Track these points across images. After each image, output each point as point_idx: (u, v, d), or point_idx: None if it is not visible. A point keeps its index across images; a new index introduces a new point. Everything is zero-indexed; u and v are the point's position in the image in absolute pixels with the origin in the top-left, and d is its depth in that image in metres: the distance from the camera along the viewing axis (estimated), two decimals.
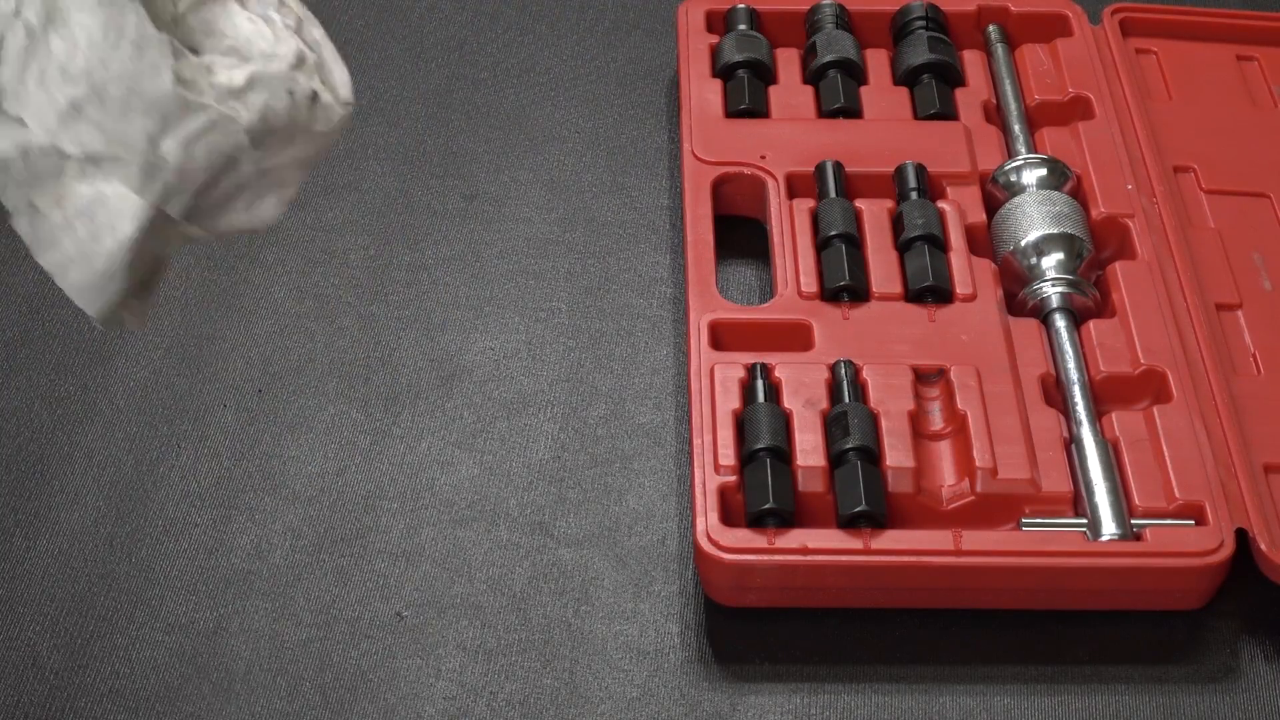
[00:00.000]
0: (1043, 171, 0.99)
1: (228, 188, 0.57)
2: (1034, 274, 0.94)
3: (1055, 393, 0.89)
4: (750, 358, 0.89)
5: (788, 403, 0.87)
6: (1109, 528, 0.82)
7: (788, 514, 0.82)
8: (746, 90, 1.04)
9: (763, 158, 1.00)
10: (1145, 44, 1.10)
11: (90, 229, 0.57)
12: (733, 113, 1.04)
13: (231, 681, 0.80)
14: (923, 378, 0.89)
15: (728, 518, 0.82)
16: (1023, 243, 0.95)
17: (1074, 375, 0.89)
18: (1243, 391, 0.89)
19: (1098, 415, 0.88)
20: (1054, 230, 0.94)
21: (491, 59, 1.13)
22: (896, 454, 0.84)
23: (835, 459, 0.84)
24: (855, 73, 1.06)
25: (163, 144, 0.55)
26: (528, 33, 1.15)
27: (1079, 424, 0.87)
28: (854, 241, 0.95)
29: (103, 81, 0.55)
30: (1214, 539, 0.82)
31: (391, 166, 1.05)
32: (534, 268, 1.00)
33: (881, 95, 1.05)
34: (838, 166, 0.99)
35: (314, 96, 0.58)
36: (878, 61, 1.07)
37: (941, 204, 0.97)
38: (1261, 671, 0.82)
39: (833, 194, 0.97)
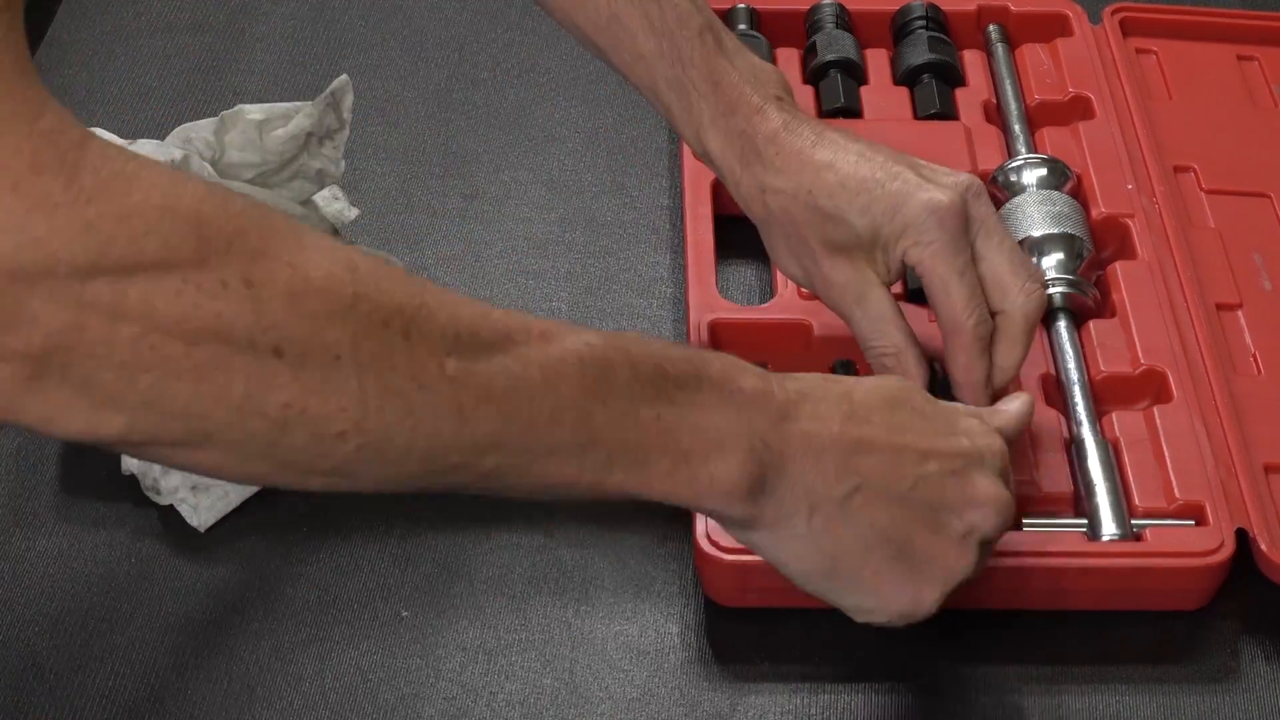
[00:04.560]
0: (1043, 171, 0.98)
1: None
2: None
3: (1055, 393, 0.89)
4: (750, 358, 0.88)
5: None
6: (1109, 528, 0.82)
7: None
8: None
9: None
10: (1145, 44, 1.10)
11: None
12: None
13: (231, 682, 0.80)
14: None
15: None
16: (1023, 242, 0.94)
17: (1074, 375, 0.89)
18: (1243, 391, 0.89)
19: (1098, 415, 0.88)
20: (1054, 230, 0.94)
21: (491, 59, 1.13)
22: None
23: None
24: (855, 73, 1.06)
25: None
26: (528, 33, 1.15)
27: (1079, 424, 0.87)
28: None
29: None
30: (1214, 539, 0.82)
31: (391, 166, 1.05)
32: (534, 268, 0.99)
33: (881, 95, 1.05)
34: None
35: None
36: (878, 61, 1.07)
37: None
38: (1261, 671, 0.82)
39: None
